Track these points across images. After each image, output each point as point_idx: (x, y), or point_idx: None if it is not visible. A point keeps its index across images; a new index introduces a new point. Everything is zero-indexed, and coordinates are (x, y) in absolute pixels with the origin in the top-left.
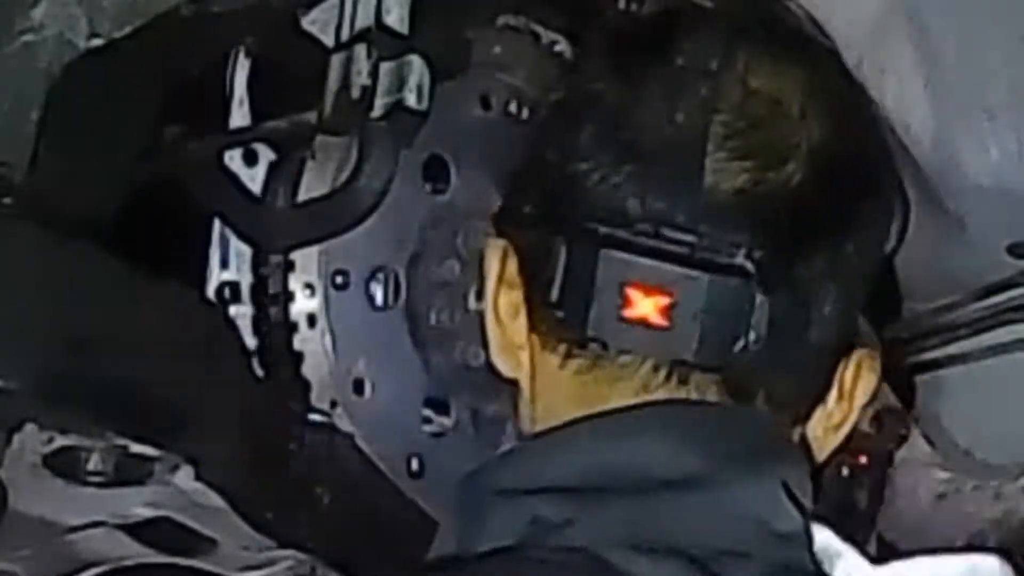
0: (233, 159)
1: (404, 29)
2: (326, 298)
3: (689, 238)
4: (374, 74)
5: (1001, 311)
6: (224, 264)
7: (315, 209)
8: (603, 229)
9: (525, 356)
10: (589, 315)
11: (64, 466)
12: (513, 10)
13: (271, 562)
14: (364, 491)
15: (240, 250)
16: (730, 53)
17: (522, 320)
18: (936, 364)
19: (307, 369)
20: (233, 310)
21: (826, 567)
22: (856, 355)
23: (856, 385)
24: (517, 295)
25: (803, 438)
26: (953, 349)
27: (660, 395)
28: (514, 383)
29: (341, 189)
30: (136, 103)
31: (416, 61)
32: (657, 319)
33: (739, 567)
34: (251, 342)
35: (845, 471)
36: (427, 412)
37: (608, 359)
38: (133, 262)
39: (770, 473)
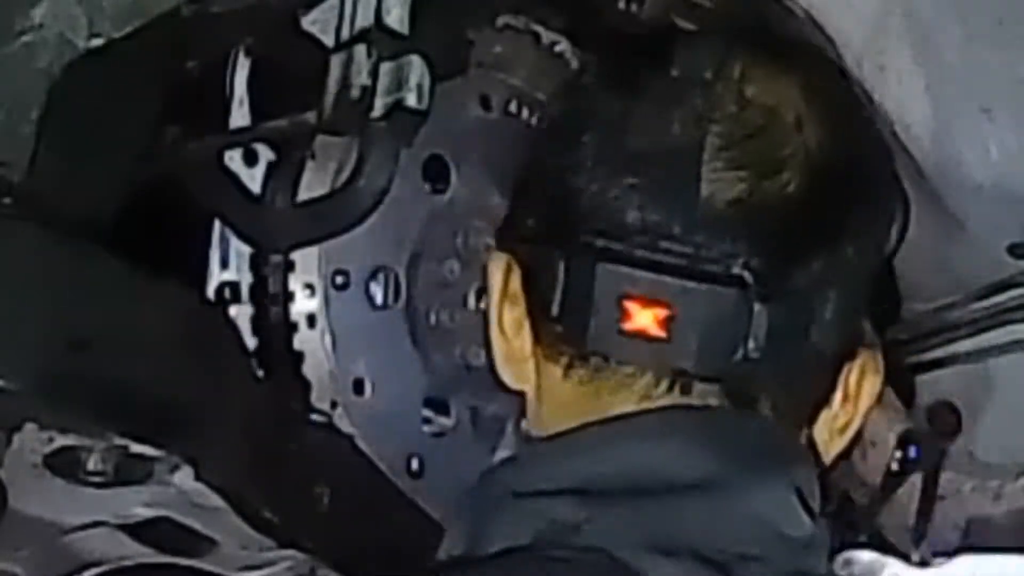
0: (233, 159)
1: (404, 29)
2: (326, 298)
3: (686, 249)
4: (374, 74)
5: (1001, 311)
6: (224, 264)
7: (315, 209)
8: (600, 242)
9: (530, 368)
10: (588, 329)
11: (64, 466)
12: (513, 10)
13: (271, 562)
14: (364, 491)
15: (240, 250)
16: (725, 63)
17: (526, 333)
18: (936, 364)
19: (307, 369)
20: (233, 310)
21: None
22: (860, 358)
23: (861, 388)
24: (520, 309)
25: (810, 441)
26: (953, 349)
27: (663, 403)
28: (520, 394)
29: (341, 189)
30: (136, 103)
31: (416, 61)
32: (656, 331)
33: (753, 570)
34: (251, 342)
35: (895, 466)
36: (427, 412)
37: (609, 370)
38: (133, 262)
39: (780, 477)
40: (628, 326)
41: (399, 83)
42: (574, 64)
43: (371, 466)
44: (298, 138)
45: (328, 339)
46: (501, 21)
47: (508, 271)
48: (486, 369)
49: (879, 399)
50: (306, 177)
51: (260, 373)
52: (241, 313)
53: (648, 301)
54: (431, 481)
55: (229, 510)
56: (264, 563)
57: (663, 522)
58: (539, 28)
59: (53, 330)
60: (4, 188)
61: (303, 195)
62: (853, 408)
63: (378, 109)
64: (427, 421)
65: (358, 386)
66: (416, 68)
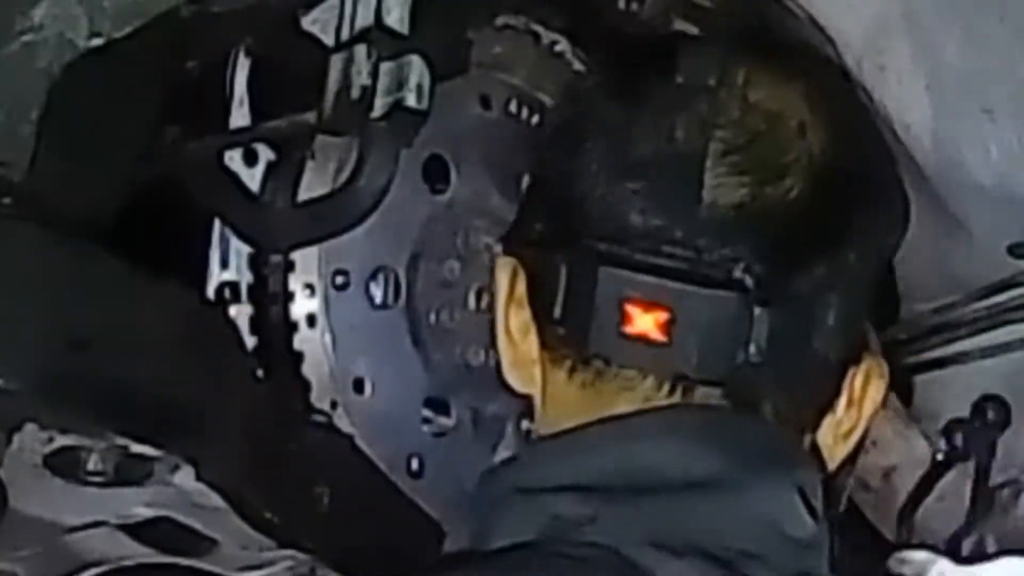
0: (233, 159)
1: (404, 29)
2: (326, 298)
3: (688, 253)
4: (374, 74)
5: (1001, 311)
6: (224, 264)
7: (315, 209)
8: (603, 246)
9: (537, 371)
10: (590, 332)
11: (64, 466)
12: (513, 10)
13: (271, 562)
14: (364, 491)
15: (240, 250)
16: (729, 69)
17: (533, 337)
18: (936, 364)
19: (307, 369)
20: (233, 310)
21: None
22: (865, 363)
23: (865, 393)
24: (527, 313)
25: (814, 446)
26: (953, 349)
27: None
28: (527, 398)
29: (341, 189)
30: (136, 103)
31: (416, 61)
32: (656, 335)
33: (756, 567)
34: (251, 342)
35: (940, 456)
36: (427, 412)
37: (611, 373)
38: (133, 262)
39: (783, 477)
40: (629, 329)
41: (399, 83)
42: (575, 64)
43: (371, 466)
44: (298, 138)
45: (328, 339)
46: (501, 21)
47: (514, 275)
48: (486, 369)
49: (883, 403)
50: (306, 177)
51: (260, 373)
52: (241, 313)
53: (649, 305)
54: (431, 481)
55: (229, 510)
56: (264, 563)
57: (666, 519)
58: (539, 28)
59: (53, 330)
60: (4, 188)
61: (303, 195)
62: (857, 413)
63: (378, 109)
64: (427, 421)
65: (358, 386)
66: (416, 68)
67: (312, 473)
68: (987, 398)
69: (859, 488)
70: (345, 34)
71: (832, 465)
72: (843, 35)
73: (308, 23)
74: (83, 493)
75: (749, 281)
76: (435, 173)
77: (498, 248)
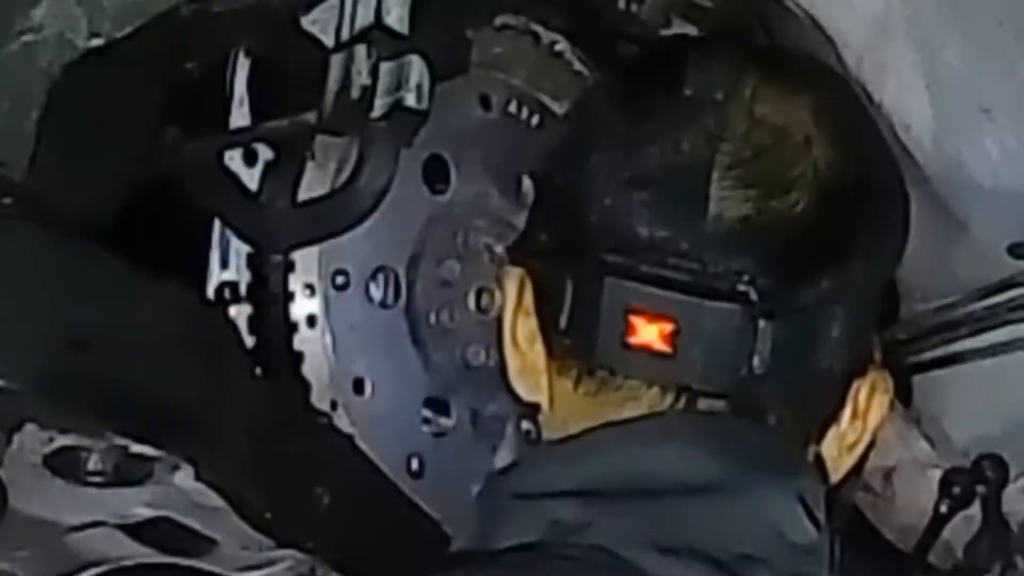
0: (233, 159)
1: (404, 29)
2: (326, 298)
3: (693, 266)
4: (374, 74)
5: (1001, 311)
6: (224, 264)
7: (315, 209)
8: (608, 257)
9: (544, 380)
10: (595, 342)
11: (64, 466)
12: (513, 10)
13: (271, 562)
14: (364, 491)
15: (240, 250)
16: (737, 83)
17: (540, 346)
18: (936, 364)
19: (307, 369)
20: (233, 310)
21: None
22: (870, 375)
23: (870, 405)
24: (534, 322)
25: (819, 458)
26: (953, 349)
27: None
28: (535, 406)
29: (341, 189)
30: (136, 103)
31: (416, 61)
32: (660, 346)
33: (757, 571)
34: (250, 342)
35: (944, 508)
36: (427, 412)
37: (616, 382)
38: (133, 262)
39: (789, 485)
40: (633, 340)
41: (399, 83)
42: (575, 64)
43: (371, 466)
44: (298, 138)
45: (328, 339)
46: (501, 21)
47: (522, 285)
48: (486, 369)
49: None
50: (306, 177)
51: (260, 373)
52: (241, 313)
53: (653, 316)
54: (431, 481)
55: (229, 510)
56: (264, 563)
57: (666, 523)
58: (539, 28)
59: (53, 330)
60: (4, 188)
61: (303, 195)
62: (862, 425)
63: (378, 109)
64: (427, 421)
65: (358, 386)
66: (416, 68)
67: (312, 473)
68: (986, 456)
69: (860, 489)
70: (345, 34)
71: (836, 477)
72: (843, 35)
73: (308, 23)
74: (83, 493)
75: (754, 294)
76: (435, 173)
77: (499, 248)
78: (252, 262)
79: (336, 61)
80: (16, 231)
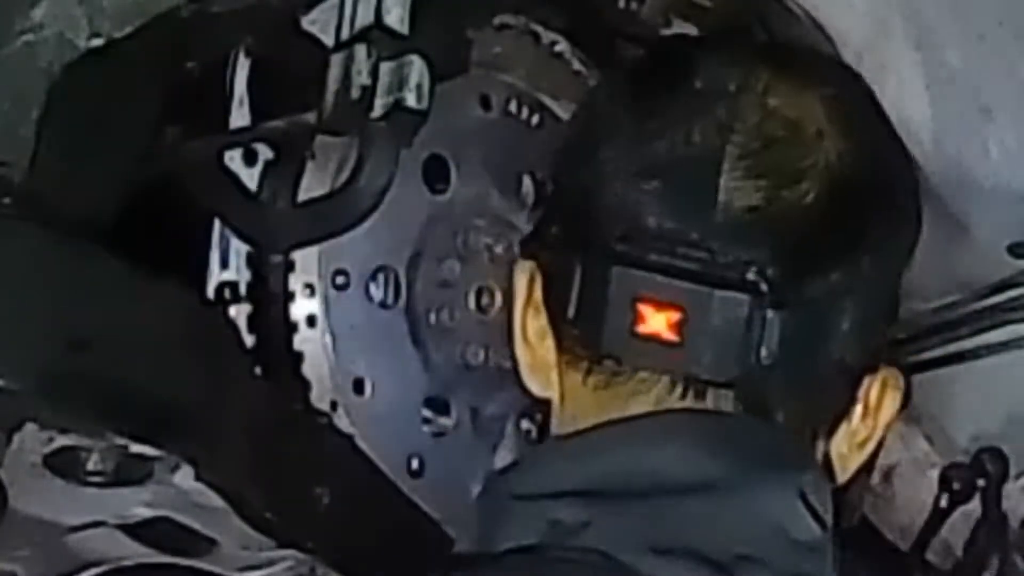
0: (233, 159)
1: (404, 29)
2: (326, 298)
3: (702, 255)
4: (374, 74)
5: (1001, 311)
6: (224, 264)
7: (315, 209)
8: (618, 246)
9: (555, 375)
10: (603, 331)
11: (64, 466)
12: (513, 10)
13: (271, 562)
14: (364, 491)
15: (240, 250)
16: (750, 75)
17: (550, 341)
18: (936, 364)
19: (307, 369)
20: (233, 310)
21: None
22: (882, 372)
23: (882, 403)
24: (544, 318)
25: (826, 455)
26: (953, 349)
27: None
28: (546, 402)
29: (341, 189)
30: (136, 103)
31: (416, 61)
32: (668, 335)
33: (757, 572)
34: (250, 342)
35: (944, 503)
36: (427, 412)
37: (625, 375)
38: (133, 262)
39: (789, 482)
40: (641, 329)
41: (399, 83)
42: (575, 64)
43: (371, 466)
44: (298, 138)
45: (328, 339)
46: (500, 21)
47: (532, 280)
48: (486, 369)
49: (899, 413)
50: (306, 177)
51: (260, 373)
52: (240, 313)
53: (661, 304)
54: (431, 481)
55: (229, 510)
56: (264, 563)
57: (665, 524)
58: (539, 28)
59: (53, 330)
60: (4, 188)
61: (303, 195)
62: (873, 423)
63: (378, 109)
64: (427, 421)
65: (358, 386)
66: (416, 68)
67: (312, 473)
68: (986, 449)
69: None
70: (345, 34)
71: (847, 475)
72: (843, 35)
73: (308, 23)
74: (83, 493)
75: (763, 284)
76: (435, 173)
77: (499, 248)
78: (252, 262)
79: (336, 61)
80: (16, 231)
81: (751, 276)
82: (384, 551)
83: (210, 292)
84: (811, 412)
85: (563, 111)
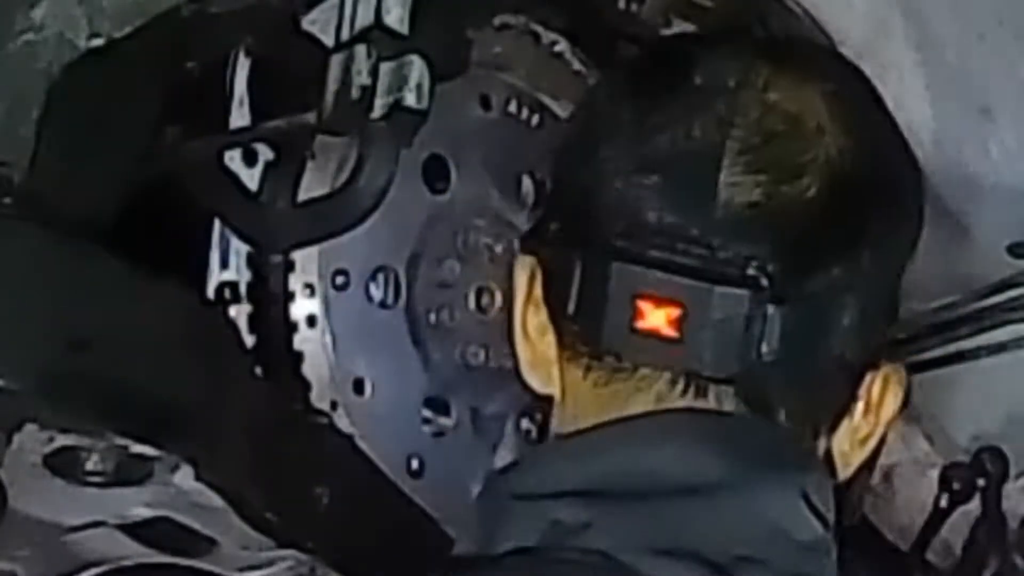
0: (233, 159)
1: (404, 29)
2: (326, 298)
3: (702, 251)
4: (374, 74)
5: (1001, 311)
6: (224, 264)
7: (315, 209)
8: (617, 242)
9: (556, 371)
10: (603, 327)
11: (64, 466)
12: (513, 10)
13: (271, 562)
14: (364, 491)
15: (240, 250)
16: (750, 70)
17: (551, 337)
18: (936, 363)
19: (307, 369)
20: (233, 310)
21: None
22: (884, 369)
23: (884, 399)
24: (544, 313)
25: (828, 452)
26: (953, 349)
27: (677, 407)
28: (547, 400)
29: (341, 189)
30: (136, 103)
31: (416, 61)
32: (668, 331)
33: (756, 573)
34: (250, 342)
35: (944, 503)
36: (427, 412)
37: (626, 371)
38: (133, 262)
39: (790, 482)
40: (641, 325)
41: (399, 83)
42: (575, 64)
43: (371, 466)
44: (298, 138)
45: (328, 339)
46: (501, 21)
47: (532, 276)
48: (486, 369)
49: (901, 409)
50: (306, 177)
51: (260, 373)
52: (241, 313)
53: (661, 300)
54: (431, 481)
55: (229, 510)
56: (264, 563)
57: (667, 525)
58: (539, 28)
59: (53, 330)
60: (4, 188)
61: (303, 195)
62: (875, 419)
63: (378, 109)
64: (427, 421)
65: (358, 386)
66: (416, 68)
67: (312, 473)
68: (986, 449)
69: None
70: (345, 34)
71: (848, 471)
72: (843, 34)
73: (308, 23)
74: (83, 493)
75: (763, 279)
76: (435, 173)
77: (499, 248)
78: (252, 262)
79: (336, 61)
80: (16, 231)
81: (751, 272)
82: (384, 551)
83: (210, 292)
84: (812, 408)
85: (563, 111)
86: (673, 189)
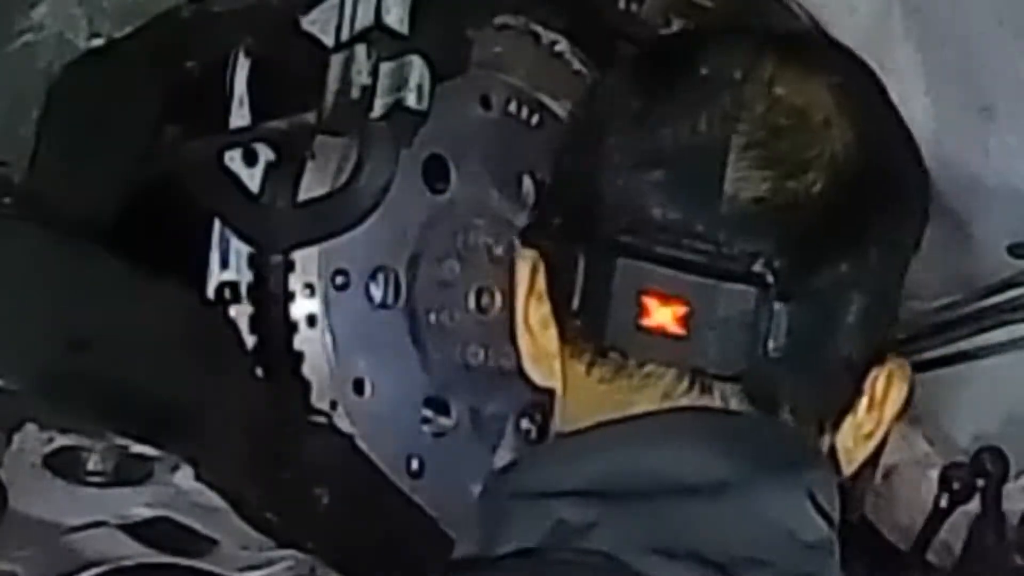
0: (233, 159)
1: (404, 29)
2: (326, 298)
3: (708, 247)
4: (374, 74)
5: (1001, 311)
6: (224, 264)
7: (315, 209)
8: (622, 238)
9: (557, 365)
10: (607, 324)
11: (64, 466)
12: (513, 10)
13: (271, 562)
14: (364, 491)
15: (240, 250)
16: (756, 63)
17: (553, 331)
18: (936, 364)
19: (307, 369)
20: (233, 310)
21: None
22: (888, 365)
23: (888, 395)
24: (547, 307)
25: (832, 448)
26: (953, 349)
27: (683, 404)
28: (548, 397)
29: (341, 189)
30: (136, 103)
31: (416, 61)
32: (674, 328)
33: (761, 574)
34: (251, 342)
35: (944, 503)
36: (427, 412)
37: (631, 368)
38: (133, 262)
39: (796, 482)
40: (646, 322)
41: (399, 83)
42: (575, 64)
43: (371, 466)
44: (298, 138)
45: (328, 339)
46: (501, 21)
47: (534, 269)
48: (486, 369)
49: (905, 406)
50: (306, 177)
51: (260, 373)
52: (241, 313)
53: (666, 297)
54: (431, 481)
55: (229, 510)
56: (264, 563)
57: (671, 525)
58: (539, 28)
59: (53, 330)
60: (4, 188)
61: (303, 195)
62: (879, 415)
63: (378, 109)
64: (427, 421)
65: (358, 386)
66: (416, 68)
67: (312, 473)
68: (986, 449)
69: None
70: (345, 34)
71: (852, 467)
72: (843, 34)
73: (308, 23)
74: (83, 493)
75: (769, 276)
76: (435, 173)
77: (499, 248)
78: (252, 262)
79: (336, 61)
80: (16, 231)
81: (757, 268)
82: (384, 551)
83: (210, 292)
84: (818, 405)
85: (563, 111)
86: (678, 184)
